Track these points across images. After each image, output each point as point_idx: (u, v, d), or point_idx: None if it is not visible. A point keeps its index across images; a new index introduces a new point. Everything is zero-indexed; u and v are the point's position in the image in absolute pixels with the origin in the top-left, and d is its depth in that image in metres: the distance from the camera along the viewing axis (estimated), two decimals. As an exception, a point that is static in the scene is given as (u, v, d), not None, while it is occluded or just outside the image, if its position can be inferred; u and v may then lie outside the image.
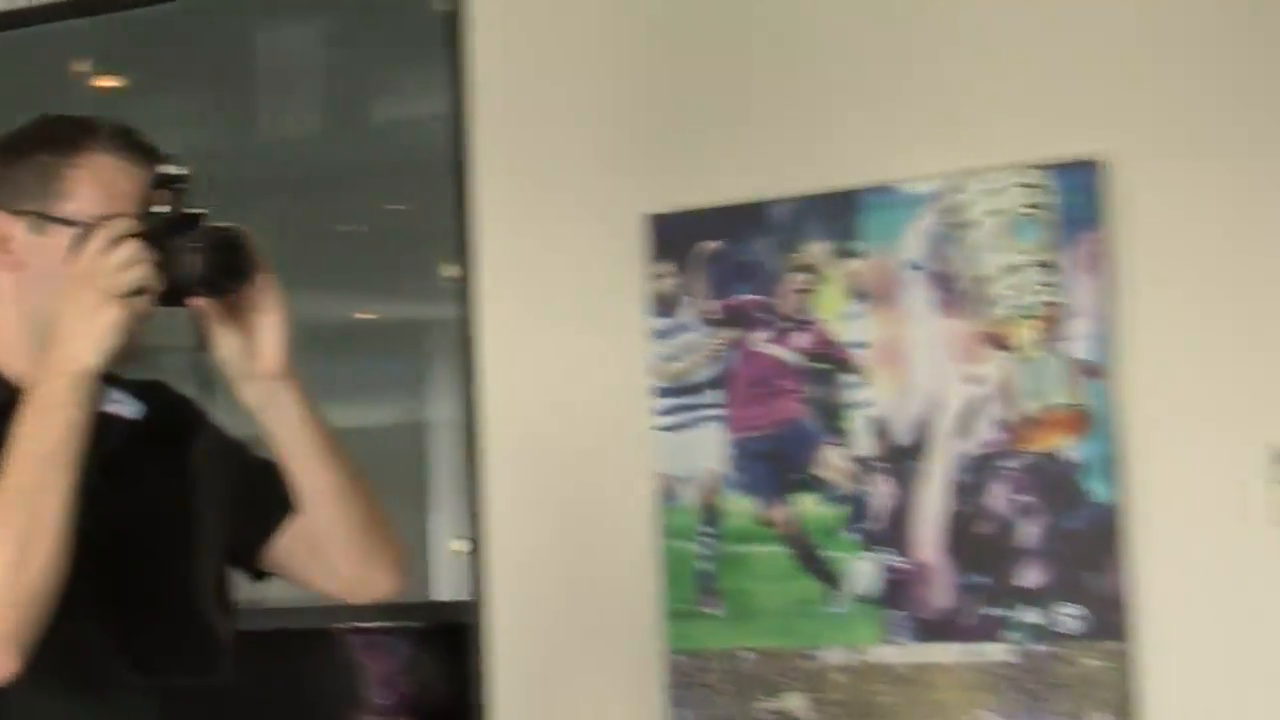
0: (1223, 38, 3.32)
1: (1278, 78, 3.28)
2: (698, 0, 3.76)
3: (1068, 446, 3.32)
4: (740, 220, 3.58)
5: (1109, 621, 3.27)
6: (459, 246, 3.86)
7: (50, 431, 1.97)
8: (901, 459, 3.43)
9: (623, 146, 3.76)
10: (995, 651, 3.34)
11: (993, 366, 3.38)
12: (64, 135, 2.15)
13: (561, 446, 3.75)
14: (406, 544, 2.41)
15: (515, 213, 3.83)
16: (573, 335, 3.76)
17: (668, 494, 3.58)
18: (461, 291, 3.85)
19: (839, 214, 3.50)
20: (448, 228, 3.88)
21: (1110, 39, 3.40)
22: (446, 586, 4.10)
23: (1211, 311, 3.30)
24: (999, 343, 3.39)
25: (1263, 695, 3.22)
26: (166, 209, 2.07)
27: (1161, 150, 3.34)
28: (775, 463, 3.53)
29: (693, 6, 3.76)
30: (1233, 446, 3.27)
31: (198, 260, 2.06)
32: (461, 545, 3.86)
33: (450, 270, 3.90)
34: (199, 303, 2.10)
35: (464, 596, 3.83)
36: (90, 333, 1.98)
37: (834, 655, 3.45)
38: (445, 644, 3.94)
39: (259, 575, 2.35)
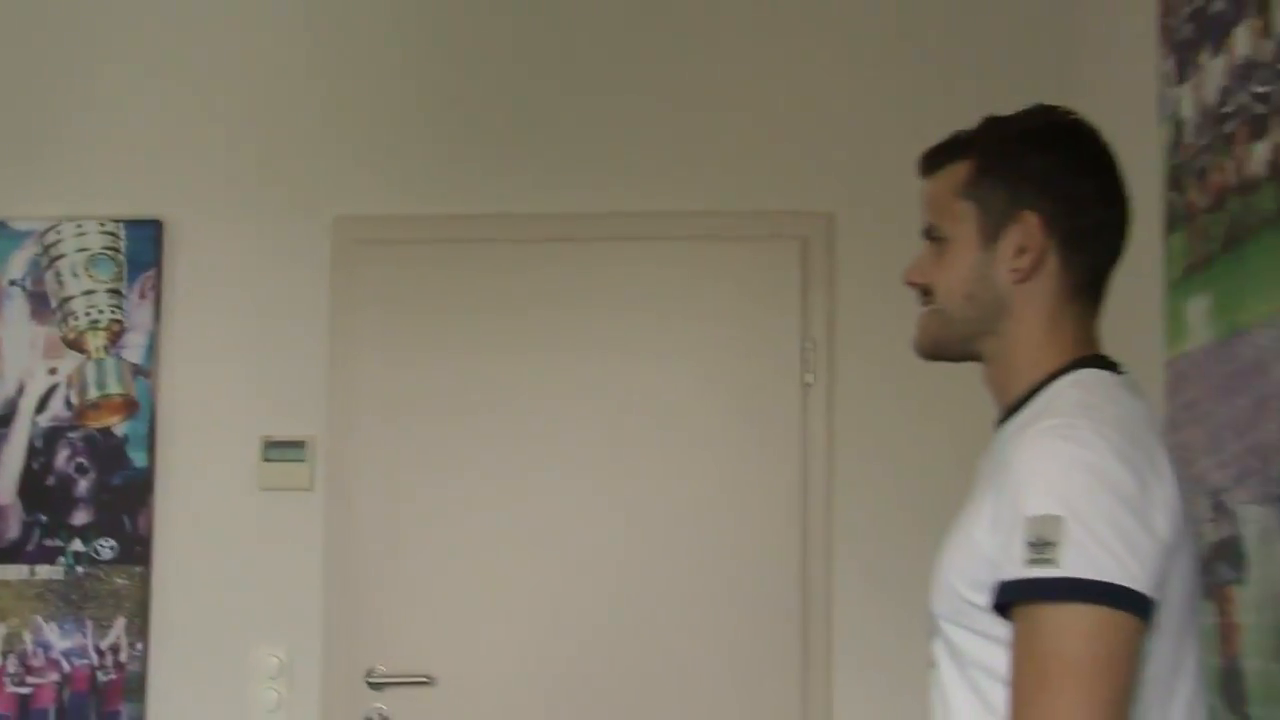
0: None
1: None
2: None
3: (118, 425, 4.27)
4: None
5: (135, 552, 4.24)
6: None
7: None
8: (-7, 427, 4.31)
9: None
10: (50, 572, 4.25)
11: (69, 363, 4.29)
12: None
13: None
14: None
15: None
16: None
17: None
18: None
19: (-38, 239, 4.33)
20: None
21: (181, 123, 4.35)
22: None
23: (239, 333, 4.28)
24: (76, 346, 4.29)
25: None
26: None
27: (205, 215, 4.29)
28: (-105, 425, 4.30)
29: None
30: (238, 434, 4.27)
31: None
32: None
33: None
34: None
35: None
36: None
37: (-75, 570, 4.27)
38: None
39: None
